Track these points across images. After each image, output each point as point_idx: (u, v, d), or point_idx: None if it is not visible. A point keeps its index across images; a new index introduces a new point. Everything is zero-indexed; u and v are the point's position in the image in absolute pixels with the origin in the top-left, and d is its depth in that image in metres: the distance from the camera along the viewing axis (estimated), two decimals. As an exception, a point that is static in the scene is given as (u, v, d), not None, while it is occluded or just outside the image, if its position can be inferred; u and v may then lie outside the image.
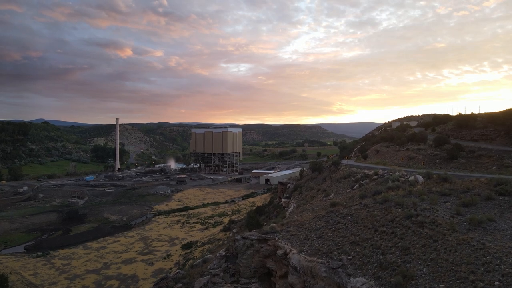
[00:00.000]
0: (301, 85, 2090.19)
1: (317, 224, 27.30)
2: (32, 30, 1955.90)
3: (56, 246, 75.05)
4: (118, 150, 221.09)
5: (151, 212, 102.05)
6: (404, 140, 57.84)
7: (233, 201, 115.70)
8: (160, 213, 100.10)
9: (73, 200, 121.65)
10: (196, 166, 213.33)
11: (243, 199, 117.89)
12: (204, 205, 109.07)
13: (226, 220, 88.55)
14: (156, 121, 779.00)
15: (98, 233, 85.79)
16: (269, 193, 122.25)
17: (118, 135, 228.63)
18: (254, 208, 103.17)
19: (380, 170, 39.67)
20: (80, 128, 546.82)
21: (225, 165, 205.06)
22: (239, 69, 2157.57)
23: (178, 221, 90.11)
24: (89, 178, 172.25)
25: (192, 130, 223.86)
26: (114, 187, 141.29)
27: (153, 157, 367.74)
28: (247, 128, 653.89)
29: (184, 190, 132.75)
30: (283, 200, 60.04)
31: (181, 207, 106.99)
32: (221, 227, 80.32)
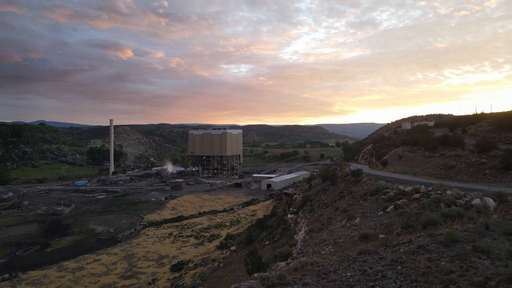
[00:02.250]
0: (302, 85, 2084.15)
1: (348, 274, 17.32)
2: (32, 32, 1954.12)
3: (28, 265, 65.53)
4: (113, 153, 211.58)
5: (141, 223, 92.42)
6: (435, 144, 48.15)
7: (232, 209, 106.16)
8: (151, 224, 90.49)
9: (58, 208, 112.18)
10: (194, 169, 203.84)
11: (243, 207, 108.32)
12: (200, 214, 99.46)
13: (223, 233, 79.04)
14: (157, 123, 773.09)
15: (79, 248, 76.26)
16: (271, 200, 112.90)
17: (113, 137, 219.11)
18: (255, 218, 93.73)
19: (422, 186, 29.95)
20: (79, 129, 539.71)
21: (224, 168, 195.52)
22: (240, 70, 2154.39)
23: (170, 234, 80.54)
24: (80, 182, 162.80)
25: (190, 131, 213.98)
26: (105, 193, 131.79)
27: (152, 159, 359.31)
28: (247, 129, 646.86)
29: (179, 196, 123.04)
30: (289, 216, 50.50)
31: (175, 216, 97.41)
32: (217, 242, 70.78)
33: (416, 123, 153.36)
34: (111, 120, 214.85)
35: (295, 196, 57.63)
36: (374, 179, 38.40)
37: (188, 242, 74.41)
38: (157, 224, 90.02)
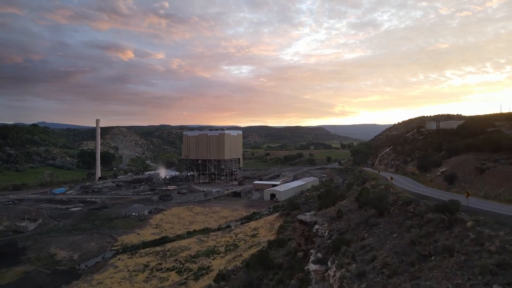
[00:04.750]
0: (303, 86, 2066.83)
1: None
2: (33, 33, 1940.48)
3: None
4: (99, 156, 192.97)
5: (113, 247, 73.52)
6: None
7: (228, 226, 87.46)
8: (125, 248, 71.64)
9: (22, 224, 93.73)
10: (189, 174, 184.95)
11: (241, 224, 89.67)
12: (189, 234, 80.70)
13: (215, 264, 60.51)
14: (158, 124, 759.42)
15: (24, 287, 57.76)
16: (276, 214, 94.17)
17: (99, 139, 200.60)
18: (256, 241, 75.01)
19: None
20: (76, 131, 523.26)
21: (222, 174, 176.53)
22: (241, 71, 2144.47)
23: (146, 266, 61.83)
24: (59, 190, 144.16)
25: (184, 132, 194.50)
26: (81, 204, 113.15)
27: (149, 161, 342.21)
28: (248, 130, 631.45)
29: (166, 209, 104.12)
30: (313, 267, 31.61)
31: (157, 237, 78.58)
32: (206, 281, 52.24)
33: (440, 122, 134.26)
34: (97, 120, 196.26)
35: (317, 227, 38.83)
36: (495, 224, 19.63)
37: (167, 279, 55.64)
38: (133, 249, 71.18)
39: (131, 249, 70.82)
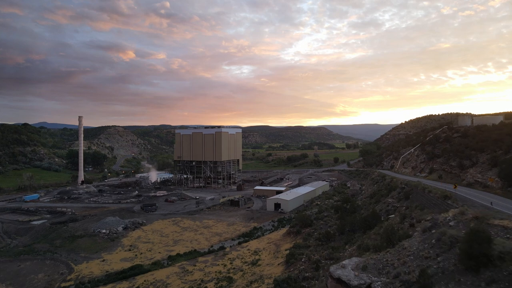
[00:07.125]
0: (304, 87, 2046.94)
1: None
2: (34, 33, 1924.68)
3: None
4: (82, 157, 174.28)
5: (65, 282, 54.64)
6: None
7: (222, 247, 68.72)
8: (80, 285, 52.76)
9: (-34, 243, 75.26)
10: (183, 177, 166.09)
11: (239, 244, 70.91)
12: (171, 260, 61.94)
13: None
14: (158, 124, 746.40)
15: None
16: (283, 230, 75.68)
17: (82, 138, 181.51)
18: (258, 272, 56.25)
19: None
20: (72, 130, 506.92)
21: (219, 177, 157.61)
22: (242, 71, 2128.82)
23: (100, 317, 43.11)
24: (30, 197, 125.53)
25: (177, 131, 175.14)
26: (48, 216, 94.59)
27: (144, 162, 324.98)
28: (250, 130, 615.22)
29: (147, 223, 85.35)
30: None
31: (128, 266, 59.69)
32: None
33: (474, 118, 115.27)
34: (80, 117, 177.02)
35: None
36: None
37: None
38: (90, 285, 52.35)
39: (87, 286, 51.94)
